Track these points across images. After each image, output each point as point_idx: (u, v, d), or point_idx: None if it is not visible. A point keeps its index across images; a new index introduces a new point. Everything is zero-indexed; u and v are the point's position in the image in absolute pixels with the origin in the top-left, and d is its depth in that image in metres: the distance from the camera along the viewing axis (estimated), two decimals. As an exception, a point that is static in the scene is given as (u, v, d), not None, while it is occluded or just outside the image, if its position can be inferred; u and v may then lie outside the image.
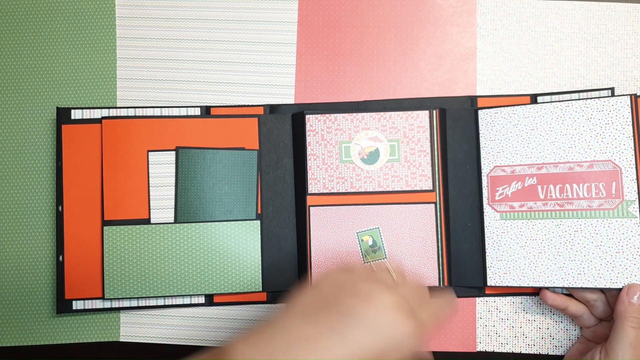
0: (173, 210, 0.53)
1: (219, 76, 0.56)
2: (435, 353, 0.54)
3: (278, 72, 0.57)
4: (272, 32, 0.57)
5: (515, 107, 0.54)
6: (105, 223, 0.54)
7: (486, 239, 0.53)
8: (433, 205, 0.54)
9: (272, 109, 0.56)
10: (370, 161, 0.54)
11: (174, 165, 0.54)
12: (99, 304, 0.54)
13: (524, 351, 0.54)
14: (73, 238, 0.54)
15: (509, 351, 0.54)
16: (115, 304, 0.54)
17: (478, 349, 0.54)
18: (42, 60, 0.57)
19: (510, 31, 0.53)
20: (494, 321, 0.55)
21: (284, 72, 0.57)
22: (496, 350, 0.54)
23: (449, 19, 0.53)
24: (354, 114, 0.55)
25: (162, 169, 0.54)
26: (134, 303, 0.54)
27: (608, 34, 0.53)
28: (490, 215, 0.54)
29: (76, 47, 0.57)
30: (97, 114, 0.54)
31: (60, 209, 0.54)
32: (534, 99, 0.55)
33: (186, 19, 0.57)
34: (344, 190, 0.54)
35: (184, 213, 0.53)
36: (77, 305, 0.54)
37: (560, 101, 0.53)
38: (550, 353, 0.54)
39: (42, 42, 0.57)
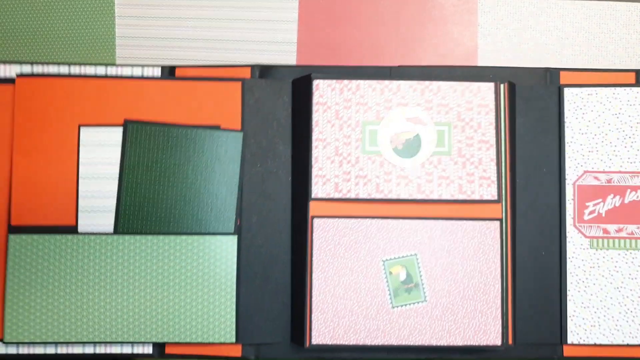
0: (113, 215, 0.49)
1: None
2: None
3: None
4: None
5: (617, 88, 0.47)
6: (12, 230, 0.49)
7: (568, 275, 0.47)
8: (498, 223, 0.46)
9: (264, 71, 0.49)
10: (407, 153, 0.46)
11: (119, 147, 0.49)
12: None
13: None
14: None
15: None
16: (22, 350, 0.49)
17: None
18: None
19: (511, 30, 0.58)
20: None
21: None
22: None
23: (450, 18, 0.58)
24: (386, 82, 0.47)
25: (99, 152, 0.49)
26: (49, 350, 0.49)
27: (610, 33, 0.57)
28: (575, 242, 0.47)
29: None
30: (10, 70, 0.51)
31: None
32: (639, 76, 0.49)
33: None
34: (365, 196, 0.46)
35: (129, 220, 0.49)
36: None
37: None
38: None
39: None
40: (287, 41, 0.58)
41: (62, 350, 0.49)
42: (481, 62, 0.59)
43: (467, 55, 0.58)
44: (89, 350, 0.49)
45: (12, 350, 0.50)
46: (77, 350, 0.49)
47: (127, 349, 0.49)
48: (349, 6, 0.60)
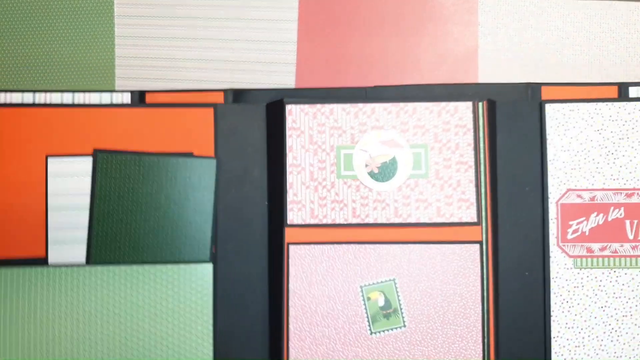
0: (84, 246, 0.48)
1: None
2: None
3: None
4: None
5: (600, 103, 0.46)
6: None
7: (552, 295, 0.46)
8: (478, 245, 0.45)
9: (237, 95, 0.48)
10: (383, 177, 0.45)
11: (88, 177, 0.48)
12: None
13: None
14: None
15: None
16: None
17: None
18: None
19: (512, 30, 0.58)
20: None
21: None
22: None
23: (450, 17, 0.58)
24: (360, 105, 0.46)
25: (68, 182, 0.48)
26: None
27: (611, 32, 0.57)
28: (559, 262, 0.46)
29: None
30: None
31: None
32: (623, 90, 0.48)
33: None
34: (342, 221, 0.45)
35: (101, 251, 0.47)
36: None
37: (665, 96, 0.46)
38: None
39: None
40: (287, 48, 0.57)
41: None
42: (481, 61, 0.58)
43: (467, 55, 0.58)
44: None
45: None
46: None
47: None
48: (349, 6, 0.59)
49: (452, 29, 0.58)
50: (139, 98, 0.48)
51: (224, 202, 0.46)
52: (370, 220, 0.44)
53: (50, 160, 0.48)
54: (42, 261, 0.48)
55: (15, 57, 0.58)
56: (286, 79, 0.56)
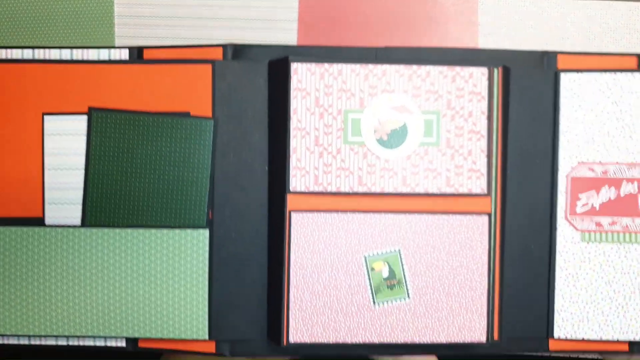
0: (80, 206, 0.47)
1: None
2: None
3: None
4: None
5: (619, 73, 0.44)
6: None
7: (557, 269, 0.45)
8: (487, 217, 0.44)
9: (237, 51, 0.45)
10: (392, 144, 0.43)
11: (84, 136, 0.46)
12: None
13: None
14: None
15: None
16: None
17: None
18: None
19: (512, 30, 0.59)
20: None
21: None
22: None
23: (450, 17, 0.59)
24: (370, 66, 0.43)
25: (65, 142, 0.47)
26: (22, 341, 0.48)
27: (611, 32, 0.57)
28: (566, 235, 0.45)
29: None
30: None
31: None
32: None
33: None
34: (347, 189, 0.43)
35: (96, 212, 0.46)
36: None
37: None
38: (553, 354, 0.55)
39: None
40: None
41: (35, 342, 0.48)
42: None
43: None
44: (62, 342, 0.48)
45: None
46: (50, 342, 0.48)
47: (100, 343, 0.47)
48: (349, 6, 0.59)
49: (451, 29, 0.59)
50: (137, 54, 0.46)
51: (222, 166, 0.44)
52: (377, 189, 0.43)
53: (46, 118, 0.47)
54: (39, 221, 0.47)
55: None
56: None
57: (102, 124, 0.45)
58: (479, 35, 0.57)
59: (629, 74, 0.43)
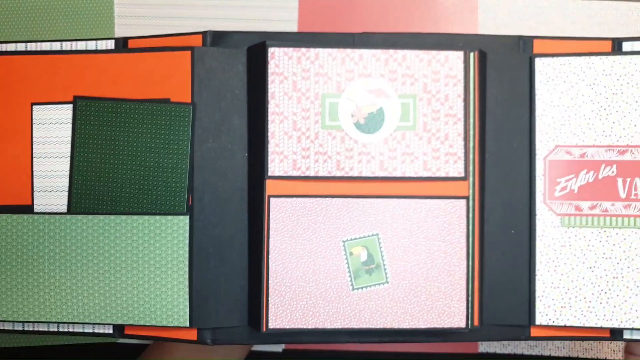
0: (67, 194, 0.47)
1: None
2: (433, 355, 0.60)
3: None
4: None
5: (592, 56, 0.45)
6: None
7: (537, 254, 0.45)
8: (464, 201, 0.44)
9: (217, 37, 0.45)
10: (369, 128, 0.44)
11: (70, 125, 0.47)
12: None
13: (526, 352, 0.60)
14: None
15: (511, 352, 0.60)
16: None
17: (480, 351, 0.61)
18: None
19: (512, 30, 0.59)
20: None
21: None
22: (498, 351, 0.61)
23: (450, 17, 0.60)
24: (347, 50, 0.44)
25: (52, 130, 0.47)
26: (17, 327, 0.48)
27: (610, 32, 0.59)
28: (545, 220, 0.45)
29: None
30: None
31: None
32: (616, 45, 0.47)
33: None
34: (325, 174, 0.44)
35: (81, 199, 0.47)
36: None
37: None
38: (553, 354, 0.60)
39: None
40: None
41: (29, 327, 0.48)
42: None
43: None
44: (53, 328, 0.48)
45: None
46: (43, 328, 0.48)
47: (88, 329, 0.47)
48: (349, 6, 0.61)
49: (451, 29, 0.60)
50: (123, 45, 0.46)
51: (201, 151, 0.44)
52: (355, 174, 0.43)
53: (35, 107, 0.47)
54: (29, 208, 0.48)
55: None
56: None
57: (86, 112, 0.45)
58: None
59: (603, 57, 0.43)
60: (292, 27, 0.61)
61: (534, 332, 0.45)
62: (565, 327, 0.44)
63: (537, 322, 0.44)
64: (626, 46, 0.45)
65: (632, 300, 0.43)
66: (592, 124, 0.44)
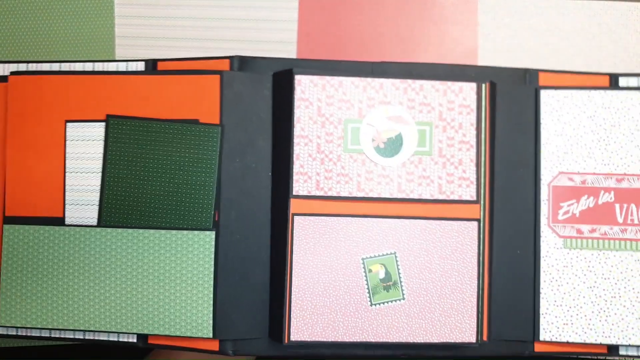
0: (97, 207, 0.48)
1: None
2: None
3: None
4: None
5: (592, 91, 0.47)
6: (6, 220, 0.49)
7: (542, 273, 0.47)
8: (476, 223, 0.46)
9: (244, 63, 0.47)
10: (389, 152, 0.46)
11: (102, 142, 0.48)
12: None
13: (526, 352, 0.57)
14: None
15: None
16: (19, 332, 0.49)
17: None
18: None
19: (512, 30, 0.59)
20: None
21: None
22: None
23: (450, 17, 0.60)
24: (369, 79, 0.46)
25: (84, 147, 0.49)
26: (44, 333, 0.49)
27: (610, 32, 0.59)
28: (549, 241, 0.47)
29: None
30: (6, 69, 0.50)
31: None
32: (613, 80, 0.49)
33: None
34: (346, 194, 0.45)
35: (111, 213, 0.48)
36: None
37: (654, 87, 0.48)
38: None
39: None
40: (287, 40, 0.59)
41: (55, 334, 0.49)
42: (481, 62, 0.60)
43: (467, 55, 0.59)
44: (79, 336, 0.48)
45: (11, 332, 0.49)
46: (69, 335, 0.49)
47: (113, 338, 0.48)
48: (349, 6, 0.60)
49: (451, 29, 0.60)
50: (152, 67, 0.48)
51: (227, 170, 0.45)
52: (374, 195, 0.45)
53: (69, 125, 0.48)
54: (60, 220, 0.48)
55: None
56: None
57: (118, 130, 0.46)
58: (478, 35, 0.58)
59: (602, 91, 0.46)
60: (292, 26, 0.60)
61: (537, 347, 0.47)
62: (567, 344, 0.46)
63: (541, 337, 0.46)
64: (622, 81, 0.48)
65: (628, 319, 0.46)
66: (593, 153, 0.46)
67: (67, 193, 0.48)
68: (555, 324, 0.46)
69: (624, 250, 0.46)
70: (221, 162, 0.45)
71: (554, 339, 0.46)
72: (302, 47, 0.59)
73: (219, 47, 0.59)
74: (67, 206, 0.48)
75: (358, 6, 0.60)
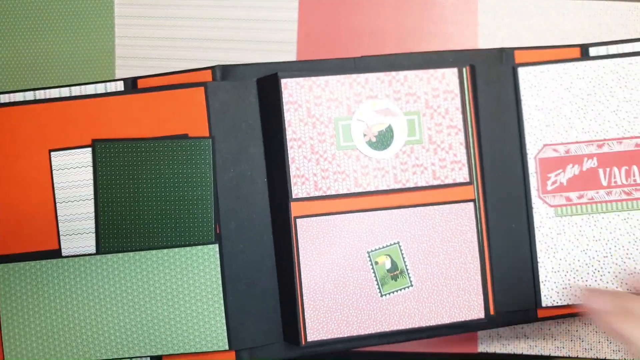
0: (94, 235, 0.47)
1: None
2: (433, 355, 0.59)
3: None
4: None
5: (566, 63, 0.49)
6: None
7: (537, 243, 0.49)
8: (472, 204, 0.47)
9: (226, 71, 0.46)
10: (381, 145, 0.46)
11: (90, 168, 0.46)
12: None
13: (525, 352, 0.58)
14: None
15: (510, 352, 0.58)
16: None
17: (479, 350, 0.58)
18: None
19: (512, 30, 0.60)
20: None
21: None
22: (497, 351, 0.58)
23: (449, 17, 0.60)
24: (353, 76, 0.46)
25: (72, 175, 0.47)
26: None
27: (610, 32, 0.59)
28: (541, 212, 0.49)
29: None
30: None
31: None
32: (584, 50, 0.51)
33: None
34: (345, 191, 0.46)
35: (110, 239, 0.47)
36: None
37: (622, 56, 0.49)
38: (553, 354, 0.57)
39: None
40: (287, 40, 0.58)
41: None
42: None
43: None
44: None
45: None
46: None
47: None
48: (349, 6, 0.60)
49: (451, 29, 0.59)
50: (132, 85, 0.46)
51: (223, 181, 0.45)
52: (372, 188, 0.45)
53: (53, 154, 0.47)
54: (57, 253, 0.47)
55: (16, 58, 0.60)
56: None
57: (106, 154, 0.45)
58: (478, 35, 0.58)
59: (575, 62, 0.48)
60: (292, 27, 0.60)
61: (540, 313, 0.49)
62: (568, 307, 0.48)
63: (543, 304, 0.48)
64: (592, 51, 0.49)
65: (621, 276, 0.48)
66: (573, 123, 0.48)
67: (60, 224, 0.47)
68: (555, 290, 0.48)
69: (610, 212, 0.48)
70: (216, 173, 0.45)
71: (555, 304, 0.48)
72: (302, 47, 0.58)
73: (219, 47, 0.58)
74: (62, 237, 0.47)
75: (358, 6, 0.60)
